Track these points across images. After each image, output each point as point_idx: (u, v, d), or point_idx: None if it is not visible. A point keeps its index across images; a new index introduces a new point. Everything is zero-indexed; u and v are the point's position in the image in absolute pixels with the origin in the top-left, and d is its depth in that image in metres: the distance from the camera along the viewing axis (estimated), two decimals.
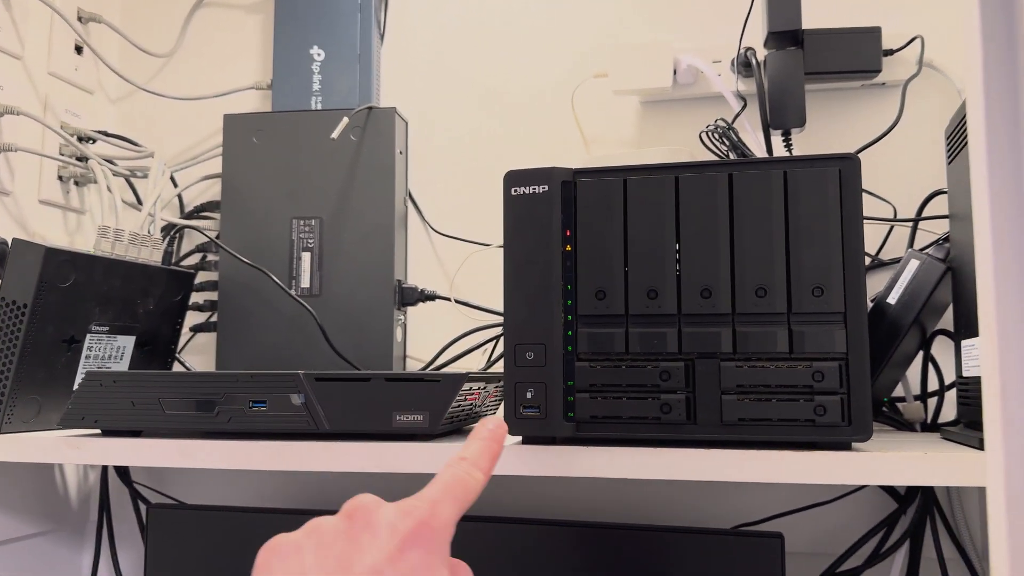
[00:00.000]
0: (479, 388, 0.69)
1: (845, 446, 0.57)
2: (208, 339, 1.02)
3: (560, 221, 0.61)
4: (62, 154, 0.98)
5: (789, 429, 0.57)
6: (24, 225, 0.94)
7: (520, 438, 0.62)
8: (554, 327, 0.60)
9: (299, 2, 1.01)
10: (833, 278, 0.57)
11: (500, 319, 0.92)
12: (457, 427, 0.70)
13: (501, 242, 0.95)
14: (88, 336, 0.77)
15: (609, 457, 0.59)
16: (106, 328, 0.79)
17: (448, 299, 0.94)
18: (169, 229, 0.96)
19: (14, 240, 0.72)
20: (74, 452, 0.68)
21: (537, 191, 0.61)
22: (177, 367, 0.93)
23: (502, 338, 0.90)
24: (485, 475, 0.48)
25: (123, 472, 0.98)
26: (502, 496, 0.92)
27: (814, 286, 0.57)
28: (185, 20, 1.08)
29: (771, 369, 0.57)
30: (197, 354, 1.02)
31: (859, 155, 0.58)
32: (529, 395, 0.60)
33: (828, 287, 0.57)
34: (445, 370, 0.92)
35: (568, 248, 0.61)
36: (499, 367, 0.91)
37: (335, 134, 0.88)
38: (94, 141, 1.01)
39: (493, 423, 0.51)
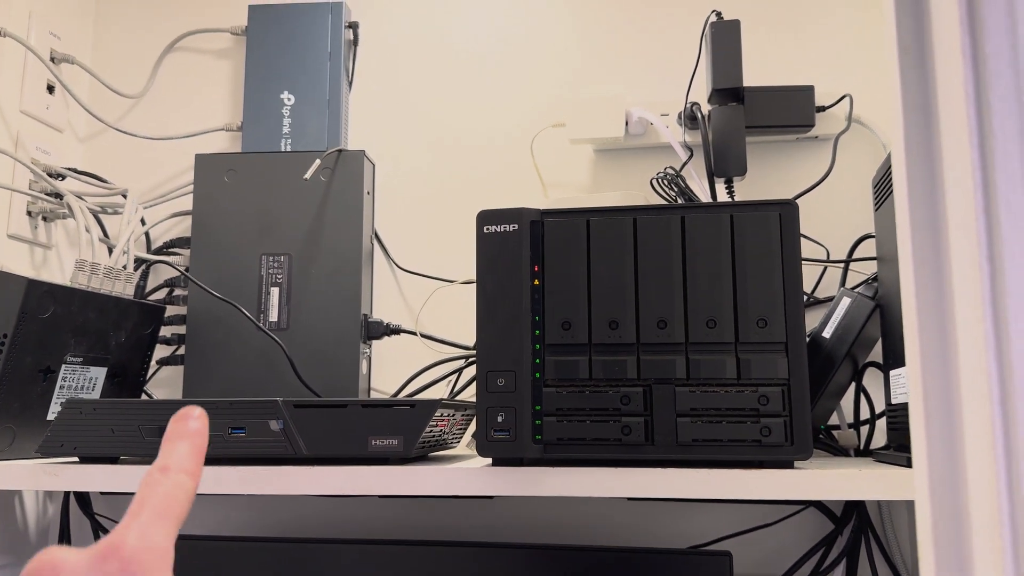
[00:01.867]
0: (448, 415, 0.73)
1: (788, 464, 0.63)
2: (172, 372, 1.04)
3: (529, 257, 0.66)
4: (31, 190, 1.00)
5: (738, 449, 0.62)
6: None
7: (490, 460, 0.66)
8: (523, 355, 0.65)
9: (270, 48, 1.05)
10: (776, 311, 0.63)
11: (463, 352, 0.97)
12: (428, 451, 0.74)
13: (463, 279, 1.00)
14: (63, 367, 0.79)
15: (574, 477, 0.63)
16: (80, 359, 0.80)
17: (413, 333, 0.98)
18: (141, 264, 0.98)
19: None
20: (51, 479, 0.70)
21: (508, 229, 0.67)
22: (144, 398, 0.94)
23: (465, 370, 0.95)
24: (196, 478, 0.41)
25: (85, 503, 0.98)
26: (459, 520, 0.95)
27: (758, 318, 0.63)
28: (156, 63, 1.11)
29: (721, 394, 0.63)
30: (162, 387, 1.03)
31: (796, 201, 0.65)
32: (500, 419, 0.64)
33: (771, 319, 0.63)
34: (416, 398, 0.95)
35: (536, 282, 0.66)
36: (462, 397, 0.95)
37: (308, 174, 0.92)
38: (63, 178, 1.03)
39: (193, 417, 0.43)
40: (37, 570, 0.35)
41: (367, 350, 0.97)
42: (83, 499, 0.99)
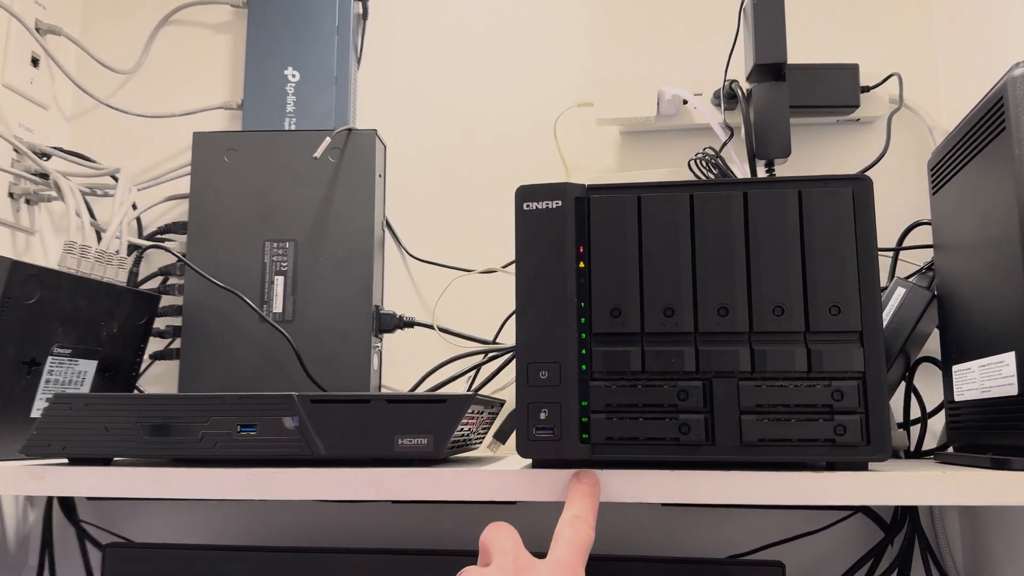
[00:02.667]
0: (478, 412, 0.66)
1: (862, 466, 0.57)
2: (166, 368, 0.97)
3: (574, 237, 0.59)
4: (13, 169, 0.92)
5: (809, 449, 0.56)
6: None
7: (530, 461, 0.59)
8: (568, 345, 0.58)
9: (273, 22, 0.99)
10: (849, 297, 0.57)
11: (481, 346, 0.90)
12: (455, 452, 0.67)
13: (481, 268, 0.94)
14: (49, 359, 0.71)
15: (627, 481, 0.57)
16: (68, 351, 0.73)
17: (429, 326, 0.91)
18: (133, 250, 0.91)
19: None
20: (37, 483, 0.62)
21: (550, 206, 0.60)
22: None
23: (484, 366, 0.88)
24: (594, 530, 0.52)
25: (69, 509, 0.91)
26: (475, 528, 0.88)
27: (831, 304, 0.57)
28: (150, 36, 1.04)
29: (790, 388, 0.57)
30: (155, 383, 0.96)
31: (869, 176, 0.59)
32: (543, 416, 0.58)
33: (844, 305, 0.57)
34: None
35: (581, 265, 0.59)
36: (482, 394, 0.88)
37: (318, 153, 0.85)
38: (48, 157, 0.95)
39: (588, 477, 0.55)
40: (512, 566, 0.48)
41: (378, 344, 0.90)
42: (68, 504, 0.91)
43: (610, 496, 0.57)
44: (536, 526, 0.88)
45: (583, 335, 0.59)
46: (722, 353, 0.57)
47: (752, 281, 0.58)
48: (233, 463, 0.62)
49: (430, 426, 0.60)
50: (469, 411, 0.62)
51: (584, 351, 0.59)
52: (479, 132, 0.99)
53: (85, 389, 0.76)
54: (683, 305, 0.58)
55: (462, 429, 0.63)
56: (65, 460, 0.65)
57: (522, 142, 0.98)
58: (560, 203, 0.60)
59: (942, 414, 0.82)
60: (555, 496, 0.58)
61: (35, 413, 0.71)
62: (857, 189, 0.59)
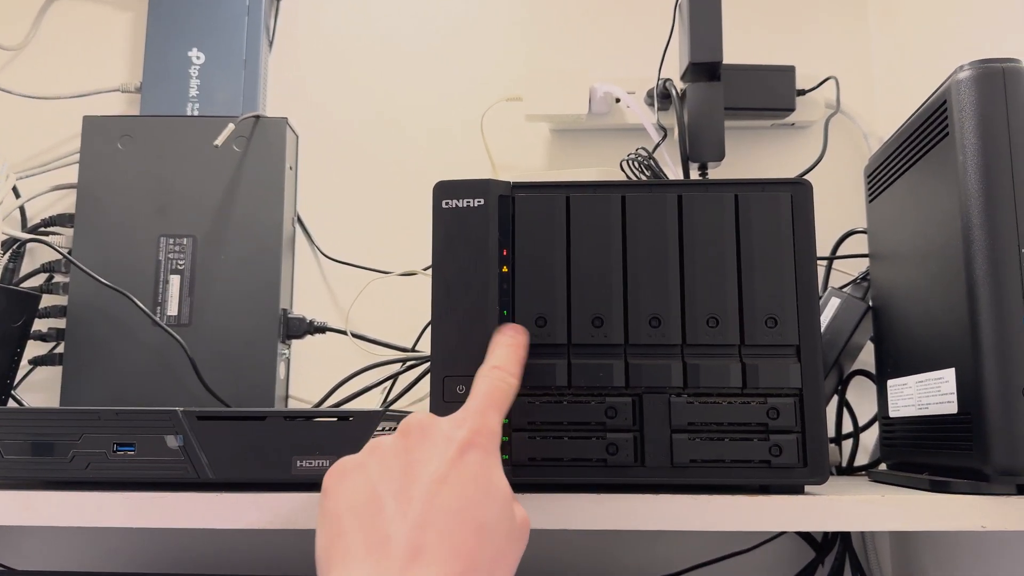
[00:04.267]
0: (390, 429, 0.61)
1: (798, 489, 0.53)
2: (49, 374, 0.88)
3: (497, 239, 0.54)
4: None
5: (743, 471, 0.52)
6: None
7: None
8: None
9: (177, 1, 0.91)
10: (787, 308, 0.53)
11: (399, 354, 0.84)
12: None
13: (401, 270, 0.88)
14: None
15: (549, 505, 0.52)
16: None
17: (343, 332, 0.85)
18: (11, 244, 0.82)
19: None
20: None
21: (471, 204, 0.55)
22: (12, 405, 0.78)
23: (401, 375, 0.82)
24: (517, 380, 0.49)
25: None
26: None
27: (767, 316, 0.53)
28: (40, 10, 0.95)
29: (723, 405, 0.53)
30: (36, 391, 0.87)
31: (809, 181, 0.56)
32: None
33: (782, 318, 0.53)
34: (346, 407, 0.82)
35: (504, 269, 0.54)
36: (397, 407, 0.82)
37: (219, 141, 0.78)
38: None
39: (511, 328, 0.52)
40: (411, 425, 0.44)
41: (286, 351, 0.83)
42: None
43: (532, 523, 0.52)
44: None
45: None
46: (654, 367, 0.53)
47: (686, 290, 0.54)
48: (109, 486, 0.55)
49: (334, 446, 0.54)
50: (379, 428, 0.56)
51: None
52: (401, 125, 0.94)
53: None
54: (613, 315, 0.53)
55: None
56: None
57: (447, 137, 0.93)
58: (483, 201, 0.55)
59: (874, 428, 0.79)
60: None
61: None
62: (796, 194, 0.55)
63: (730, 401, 0.53)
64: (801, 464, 0.52)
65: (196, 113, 0.88)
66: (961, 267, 0.55)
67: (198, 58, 0.90)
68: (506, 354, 0.50)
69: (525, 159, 0.92)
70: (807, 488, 0.54)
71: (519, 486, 0.53)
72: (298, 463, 0.54)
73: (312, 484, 0.54)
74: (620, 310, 0.54)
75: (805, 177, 0.81)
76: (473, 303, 0.54)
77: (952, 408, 0.55)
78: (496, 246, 0.54)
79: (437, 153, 0.93)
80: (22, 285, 0.86)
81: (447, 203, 0.55)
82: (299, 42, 0.95)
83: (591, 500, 0.52)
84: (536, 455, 0.52)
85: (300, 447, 0.54)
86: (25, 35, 0.95)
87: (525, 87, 0.86)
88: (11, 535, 0.86)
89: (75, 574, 0.70)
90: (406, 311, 0.88)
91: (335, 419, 0.54)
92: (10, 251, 0.78)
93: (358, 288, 0.89)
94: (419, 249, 0.89)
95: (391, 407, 0.81)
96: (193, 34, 0.90)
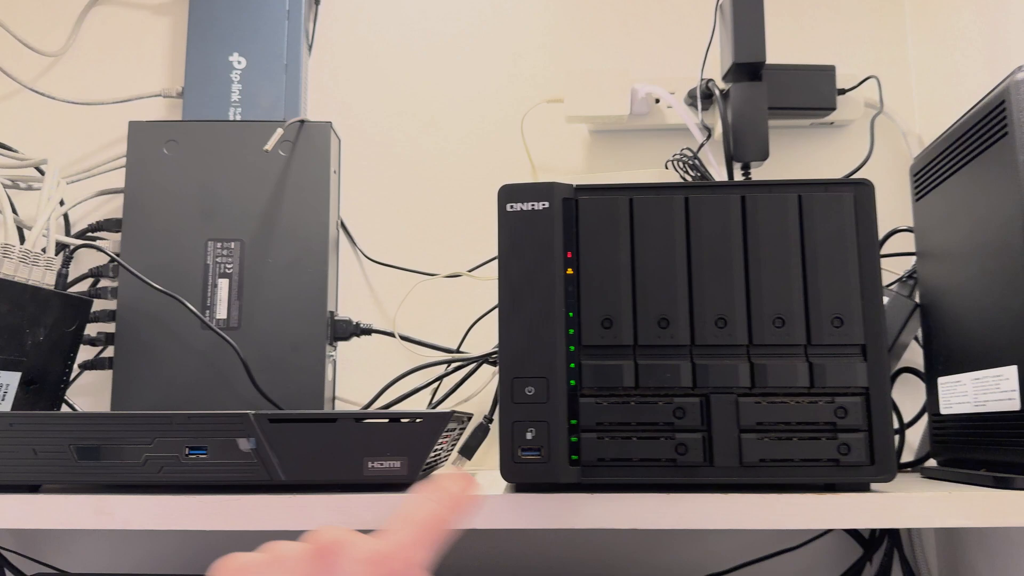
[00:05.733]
0: (453, 431, 0.61)
1: (864, 487, 0.54)
2: (97, 378, 0.89)
3: (561, 242, 0.55)
4: None
5: (811, 470, 0.53)
6: None
7: (513, 485, 0.55)
8: (556, 359, 0.54)
9: (218, 5, 0.91)
10: (852, 308, 0.54)
11: (443, 356, 0.85)
12: (428, 474, 0.62)
13: (446, 272, 0.88)
14: None
15: (620, 505, 0.53)
16: None
17: (390, 334, 0.86)
18: (61, 249, 0.82)
19: None
20: None
21: (536, 207, 0.55)
22: (64, 410, 0.79)
23: (446, 377, 0.83)
24: (454, 524, 0.42)
25: None
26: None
27: (833, 316, 0.54)
28: (79, 17, 0.95)
29: (791, 405, 0.53)
30: (84, 395, 0.88)
31: (871, 181, 0.56)
32: (529, 436, 0.53)
33: (847, 317, 0.54)
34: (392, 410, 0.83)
35: (569, 271, 0.55)
36: (443, 407, 0.83)
37: (269, 145, 0.79)
38: None
39: (464, 483, 0.43)
40: (330, 547, 0.36)
41: (333, 353, 0.84)
42: None
43: (601, 523, 0.53)
44: (513, 552, 0.84)
45: (571, 347, 0.54)
46: (721, 367, 0.53)
47: (751, 290, 0.54)
48: (182, 489, 0.55)
49: (404, 447, 0.55)
50: (447, 429, 0.57)
51: (572, 365, 0.54)
52: (440, 127, 0.94)
53: (7, 405, 0.68)
54: (679, 316, 0.54)
55: (436, 449, 0.58)
56: None
57: (484, 138, 0.93)
58: (547, 204, 0.55)
59: (917, 425, 0.80)
60: (542, 523, 0.53)
61: None
62: (859, 194, 0.56)
63: (797, 401, 0.53)
64: (869, 462, 0.53)
65: (239, 118, 0.89)
66: (1021, 264, 0.55)
67: (239, 63, 0.90)
68: (453, 485, 0.42)
69: (564, 160, 0.92)
70: (872, 486, 0.55)
71: (588, 486, 0.54)
72: (370, 464, 0.54)
73: (384, 485, 0.55)
74: (686, 311, 0.54)
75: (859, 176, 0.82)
76: (539, 305, 0.54)
77: (1014, 405, 0.56)
78: (561, 248, 0.55)
79: (475, 155, 0.93)
80: (70, 291, 0.86)
81: (512, 206, 0.56)
82: (336, 44, 0.96)
83: (660, 500, 0.53)
84: (605, 456, 0.53)
85: (370, 448, 0.55)
86: (64, 41, 0.95)
87: (565, 88, 0.87)
88: (57, 537, 0.87)
89: None
90: (447, 312, 0.89)
91: (407, 420, 0.55)
92: (60, 256, 0.78)
93: (398, 290, 0.90)
94: (458, 250, 0.90)
95: (437, 407, 0.82)
96: (234, 39, 0.90)
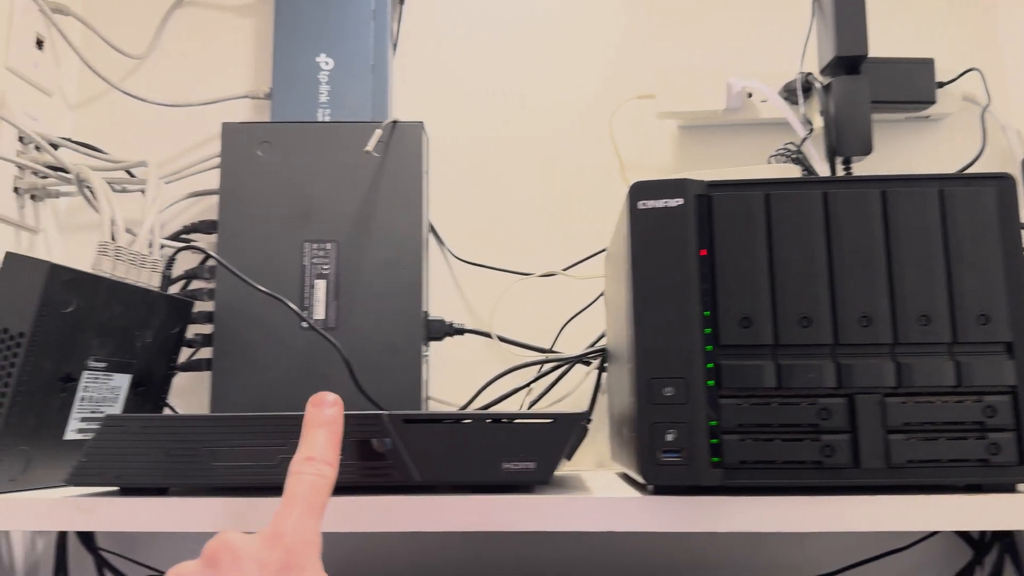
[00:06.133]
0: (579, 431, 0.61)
1: (1010, 488, 0.53)
2: (191, 380, 0.89)
3: (696, 239, 0.54)
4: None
5: (959, 471, 0.52)
6: None
7: (652, 487, 0.54)
8: (694, 359, 0.53)
9: (303, 7, 0.91)
10: (997, 305, 0.53)
11: (539, 356, 0.84)
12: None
13: (540, 272, 0.88)
14: (84, 374, 0.64)
15: (763, 508, 0.52)
16: (104, 364, 0.65)
17: (486, 334, 0.85)
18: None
19: (8, 254, 0.58)
20: (86, 517, 0.55)
21: (670, 205, 0.55)
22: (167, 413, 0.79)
23: (542, 378, 0.82)
24: (335, 467, 0.46)
25: (87, 536, 0.82)
26: (501, 554, 0.82)
27: (979, 313, 0.53)
28: (163, 18, 0.96)
29: (938, 404, 0.52)
30: (178, 397, 0.88)
31: (1012, 175, 0.55)
32: (669, 437, 0.52)
33: (993, 315, 0.52)
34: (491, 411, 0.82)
35: (705, 270, 0.54)
36: (539, 407, 0.82)
37: (369, 146, 0.78)
38: (56, 148, 0.87)
39: (323, 403, 0.47)
40: (217, 550, 0.40)
41: (427, 353, 0.83)
42: (86, 532, 0.83)
43: (745, 526, 0.52)
44: (651, 556, 0.83)
45: (709, 347, 0.53)
46: (866, 367, 0.52)
47: (895, 287, 0.53)
48: None
49: (537, 448, 0.54)
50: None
51: (710, 365, 0.53)
52: (523, 125, 0.93)
53: (118, 407, 0.69)
54: (821, 314, 0.53)
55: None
56: (115, 489, 0.57)
57: (570, 136, 0.92)
58: (681, 201, 0.54)
59: None
60: (684, 526, 0.52)
61: (69, 435, 0.63)
62: (1001, 188, 0.54)
63: (944, 400, 0.52)
64: (1017, 462, 0.51)
65: (327, 119, 0.89)
66: None
67: (327, 63, 0.90)
68: (320, 439, 0.46)
69: (652, 157, 0.91)
70: (1017, 486, 0.53)
71: (731, 489, 0.53)
72: (505, 465, 0.54)
73: (519, 486, 0.55)
74: (828, 309, 0.53)
75: (973, 171, 0.80)
76: (675, 304, 0.53)
77: None
78: (695, 246, 0.54)
79: (560, 153, 0.92)
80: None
81: (644, 204, 0.55)
82: (422, 44, 0.95)
83: (805, 502, 0.52)
84: (748, 458, 0.52)
85: (506, 449, 0.54)
86: (148, 44, 0.95)
87: (656, 84, 0.86)
88: (152, 537, 0.87)
89: None
90: (538, 312, 0.88)
91: (540, 421, 0.54)
92: (165, 258, 0.78)
93: (487, 289, 0.89)
94: (543, 249, 0.89)
95: (532, 408, 0.81)
96: (321, 39, 0.90)
